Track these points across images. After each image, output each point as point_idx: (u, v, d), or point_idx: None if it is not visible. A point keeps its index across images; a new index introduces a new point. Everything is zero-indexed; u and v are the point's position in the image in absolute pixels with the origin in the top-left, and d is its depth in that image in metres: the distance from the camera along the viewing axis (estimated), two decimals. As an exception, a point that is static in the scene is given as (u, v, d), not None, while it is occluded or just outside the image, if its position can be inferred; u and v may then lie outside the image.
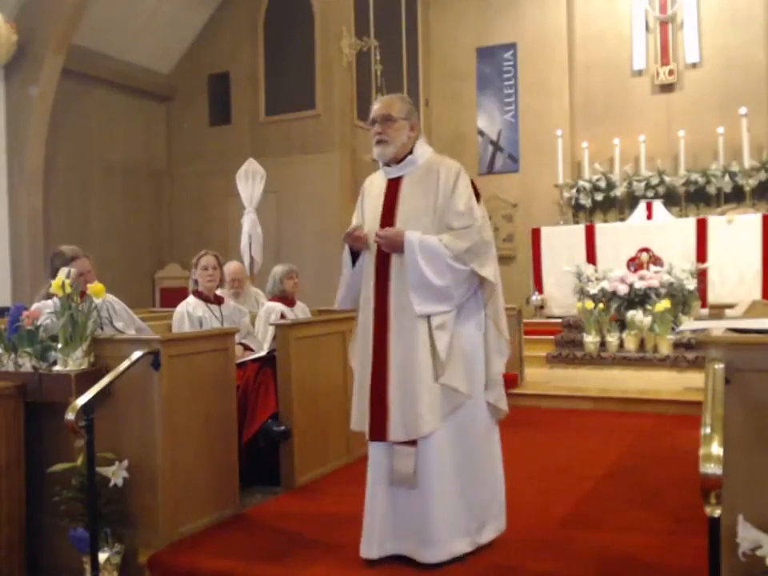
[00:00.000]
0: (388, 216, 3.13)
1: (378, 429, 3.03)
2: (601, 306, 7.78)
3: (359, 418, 3.17)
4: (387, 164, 3.22)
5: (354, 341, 3.33)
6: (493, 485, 3.17)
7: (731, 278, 8.13)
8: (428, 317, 3.01)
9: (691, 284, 7.69)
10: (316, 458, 4.47)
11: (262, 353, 4.66)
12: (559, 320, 8.53)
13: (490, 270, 3.06)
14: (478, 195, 3.17)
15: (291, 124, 10.20)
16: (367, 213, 3.25)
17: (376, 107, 3.21)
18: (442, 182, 3.09)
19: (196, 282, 4.81)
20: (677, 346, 7.40)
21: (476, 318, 3.12)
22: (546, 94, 11.00)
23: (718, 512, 1.95)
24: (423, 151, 3.21)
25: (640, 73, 10.69)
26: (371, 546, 3.07)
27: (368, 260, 3.18)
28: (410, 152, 3.19)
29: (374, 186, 3.30)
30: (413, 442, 2.99)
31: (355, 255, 3.23)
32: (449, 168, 3.14)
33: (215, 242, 9.35)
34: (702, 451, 1.96)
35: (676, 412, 5.97)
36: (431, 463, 2.99)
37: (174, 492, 3.42)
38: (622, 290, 7.77)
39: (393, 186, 3.19)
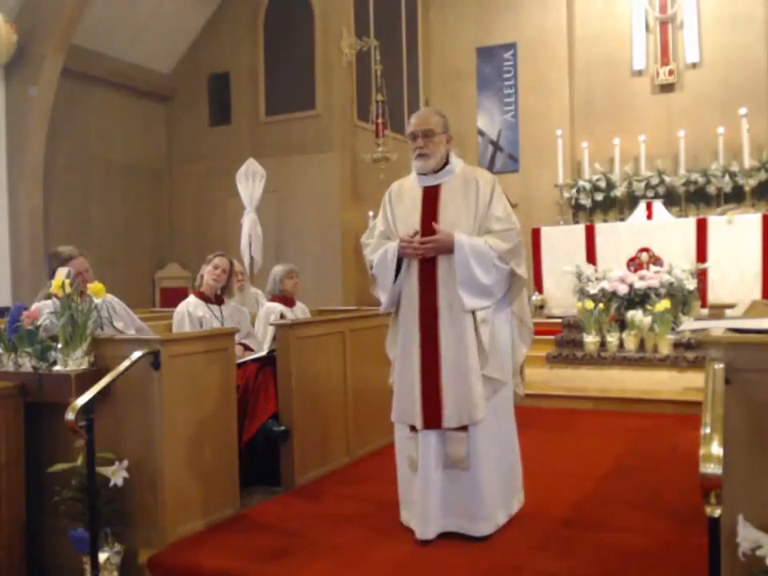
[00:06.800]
0: (430, 220, 3.33)
1: (433, 417, 3.27)
2: (601, 306, 7.77)
3: (404, 411, 3.38)
4: (423, 173, 3.42)
5: (392, 336, 3.54)
6: (517, 461, 3.55)
7: (731, 278, 8.12)
8: (473, 312, 3.27)
9: (691, 284, 7.68)
10: (316, 457, 4.47)
11: (262, 353, 4.65)
12: (559, 320, 8.51)
13: (524, 269, 3.39)
14: (511, 204, 3.45)
15: (291, 124, 10.20)
16: (400, 218, 3.45)
17: (415, 122, 3.42)
18: (481, 191, 3.35)
19: (202, 277, 4.81)
20: (677, 345, 7.39)
21: (505, 312, 3.44)
22: (546, 94, 11.01)
23: (718, 512, 1.95)
24: (458, 161, 3.47)
25: (640, 73, 10.69)
26: (428, 527, 3.27)
27: (408, 261, 3.36)
28: (447, 162, 3.42)
29: (404, 192, 3.51)
30: (464, 428, 3.25)
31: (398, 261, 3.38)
32: (486, 179, 3.42)
33: (215, 242, 9.36)
34: (702, 451, 1.96)
35: (676, 412, 5.96)
36: (480, 446, 3.27)
37: (174, 492, 3.42)
38: (622, 289, 7.76)
39: (431, 193, 3.40)
